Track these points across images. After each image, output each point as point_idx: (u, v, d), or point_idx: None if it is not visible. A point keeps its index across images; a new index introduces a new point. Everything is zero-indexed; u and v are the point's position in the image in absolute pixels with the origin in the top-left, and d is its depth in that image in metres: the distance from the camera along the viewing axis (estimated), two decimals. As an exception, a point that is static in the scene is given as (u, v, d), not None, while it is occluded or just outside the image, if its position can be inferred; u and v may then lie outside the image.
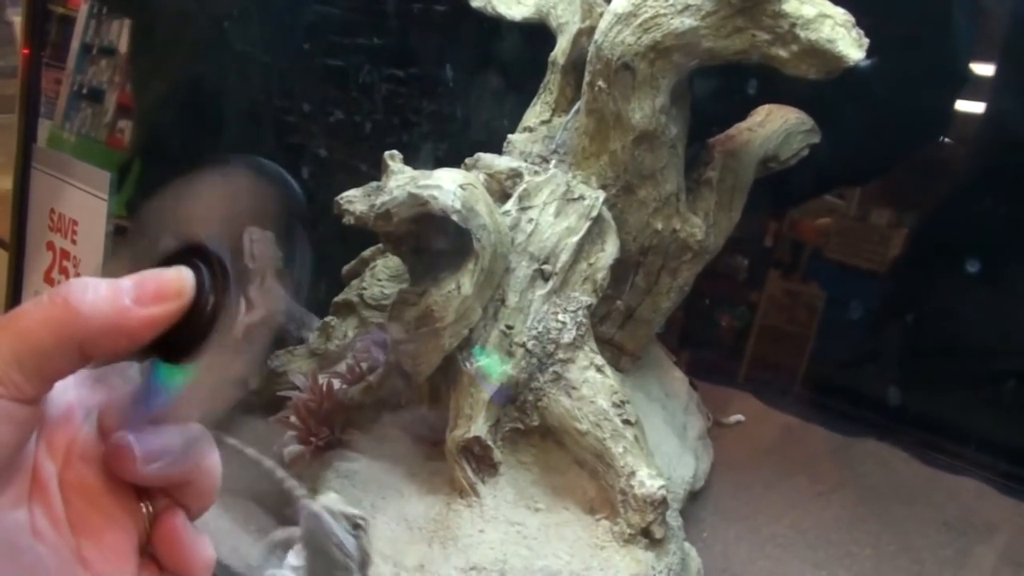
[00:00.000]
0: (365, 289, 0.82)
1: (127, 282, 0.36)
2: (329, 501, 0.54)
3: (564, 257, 0.65)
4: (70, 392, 0.41)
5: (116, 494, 0.40)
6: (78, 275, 0.75)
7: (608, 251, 0.66)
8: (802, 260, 0.93)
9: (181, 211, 0.40)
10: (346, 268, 0.85)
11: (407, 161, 0.65)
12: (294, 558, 0.57)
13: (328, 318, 0.82)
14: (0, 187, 0.98)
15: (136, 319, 0.36)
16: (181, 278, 0.37)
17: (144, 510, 0.41)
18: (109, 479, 0.40)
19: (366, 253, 0.84)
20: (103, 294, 0.36)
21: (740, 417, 0.86)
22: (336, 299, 0.84)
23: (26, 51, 0.95)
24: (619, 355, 0.74)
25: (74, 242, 0.72)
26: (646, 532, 0.60)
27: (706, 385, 0.86)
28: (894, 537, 0.69)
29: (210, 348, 0.37)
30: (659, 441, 0.70)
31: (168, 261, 0.37)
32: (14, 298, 0.82)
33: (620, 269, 0.69)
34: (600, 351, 0.66)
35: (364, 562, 0.52)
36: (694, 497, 0.73)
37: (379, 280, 0.81)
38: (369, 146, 0.88)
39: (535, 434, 0.64)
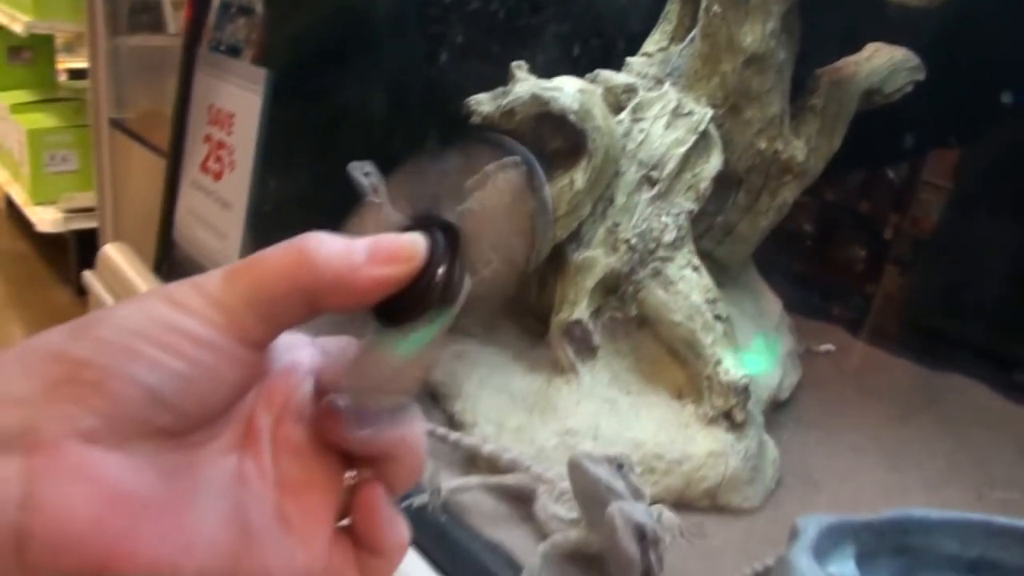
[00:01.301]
0: (485, 201, 0.88)
1: (362, 242, 0.36)
2: (584, 451, 0.54)
3: (671, 165, 0.70)
4: (292, 354, 0.42)
5: (322, 458, 0.41)
6: (232, 162, 0.84)
7: (712, 163, 0.71)
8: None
9: (424, 184, 0.40)
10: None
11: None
12: (566, 511, 0.59)
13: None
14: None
15: (366, 277, 0.36)
16: (414, 244, 0.37)
17: (346, 479, 0.41)
18: (318, 442, 0.40)
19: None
20: (337, 249, 0.36)
21: (831, 346, 0.90)
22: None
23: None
24: (718, 270, 0.79)
25: (230, 133, 0.81)
26: (728, 415, 0.65)
27: (799, 317, 0.90)
28: (967, 455, 0.73)
29: (432, 318, 0.37)
30: (749, 346, 0.74)
31: (406, 230, 0.38)
32: (171, 192, 0.91)
33: (722, 186, 0.75)
34: (702, 262, 0.72)
35: (637, 495, 0.54)
36: (778, 406, 0.77)
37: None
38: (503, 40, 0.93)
39: (632, 324, 0.70)
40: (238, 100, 0.80)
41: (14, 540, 0.32)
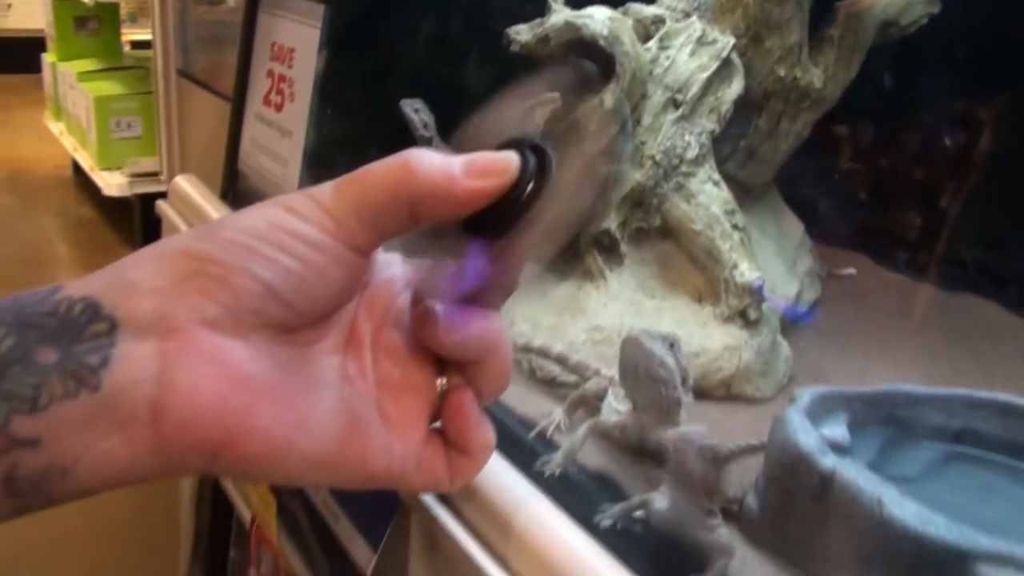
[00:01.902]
0: (525, 133, 0.95)
1: (459, 158, 0.39)
2: (642, 329, 0.57)
3: (694, 89, 0.76)
4: (390, 270, 0.46)
5: (418, 363, 0.44)
6: (292, 94, 0.91)
7: (733, 88, 0.77)
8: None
9: (515, 108, 0.44)
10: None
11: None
12: (613, 399, 0.63)
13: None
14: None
15: (463, 189, 0.39)
16: (507, 159, 0.40)
17: (439, 384, 0.45)
18: (414, 348, 0.44)
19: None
20: (437, 163, 0.39)
21: (852, 270, 0.95)
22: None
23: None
24: (741, 192, 0.84)
25: (290, 67, 0.88)
26: (742, 314, 0.71)
27: (824, 246, 0.95)
28: (973, 363, 0.78)
29: (521, 231, 0.40)
30: (768, 264, 0.80)
31: (499, 148, 0.41)
32: (236, 125, 0.98)
33: (745, 112, 0.80)
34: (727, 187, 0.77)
35: (684, 377, 0.58)
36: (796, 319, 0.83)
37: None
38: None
39: (656, 234, 0.76)
40: (298, 35, 0.87)
41: (151, 412, 0.36)
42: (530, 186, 0.39)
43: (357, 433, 0.41)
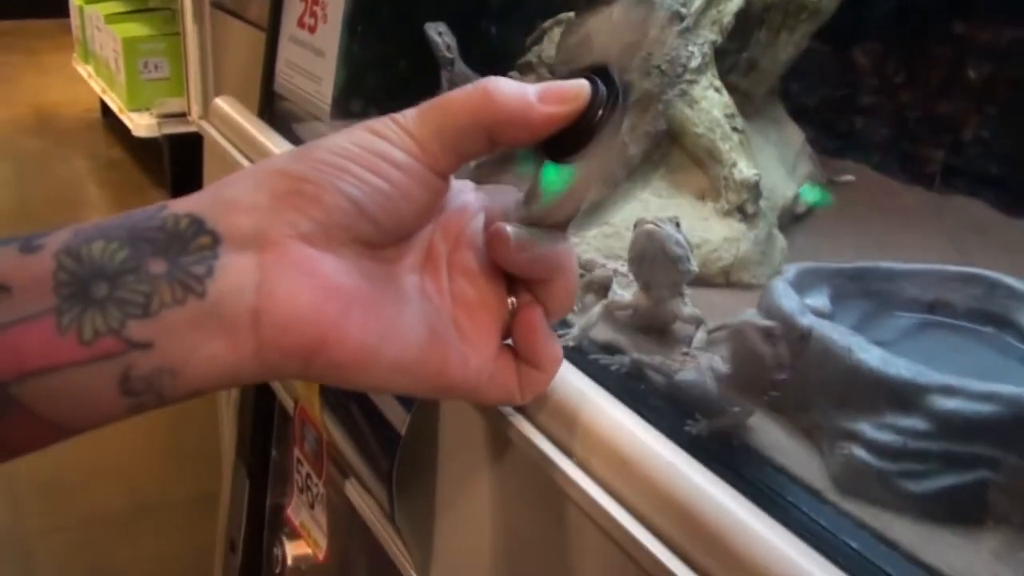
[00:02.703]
0: (543, 51, 1.01)
1: (534, 85, 0.42)
2: (650, 219, 0.63)
3: (697, 3, 0.81)
4: (467, 193, 0.48)
5: (491, 282, 0.47)
6: (325, 16, 0.97)
7: (735, 1, 0.83)
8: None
9: (589, 36, 0.48)
10: (530, 38, 1.04)
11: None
12: (618, 286, 0.69)
13: (511, 74, 1.02)
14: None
15: (538, 114, 0.42)
16: (579, 86, 0.43)
17: (510, 302, 0.48)
18: (487, 267, 0.47)
19: (546, 24, 1.02)
20: (515, 90, 0.42)
21: (851, 177, 1.01)
22: (519, 61, 1.03)
23: None
24: (744, 101, 0.90)
25: (323, -11, 0.94)
26: (741, 209, 0.77)
27: (826, 157, 1.01)
28: (955, 250, 0.84)
29: (592, 155, 0.42)
30: (768, 168, 0.86)
31: (571, 76, 0.44)
32: (272, 47, 1.04)
33: (746, 25, 0.86)
34: (730, 96, 0.83)
35: (690, 247, 0.64)
36: (795, 219, 0.89)
37: (553, 42, 1.00)
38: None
39: (663, 138, 0.82)
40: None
41: (252, 318, 0.39)
42: (600, 112, 0.42)
43: (437, 344, 0.44)
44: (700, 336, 0.64)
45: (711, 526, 0.45)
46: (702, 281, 0.75)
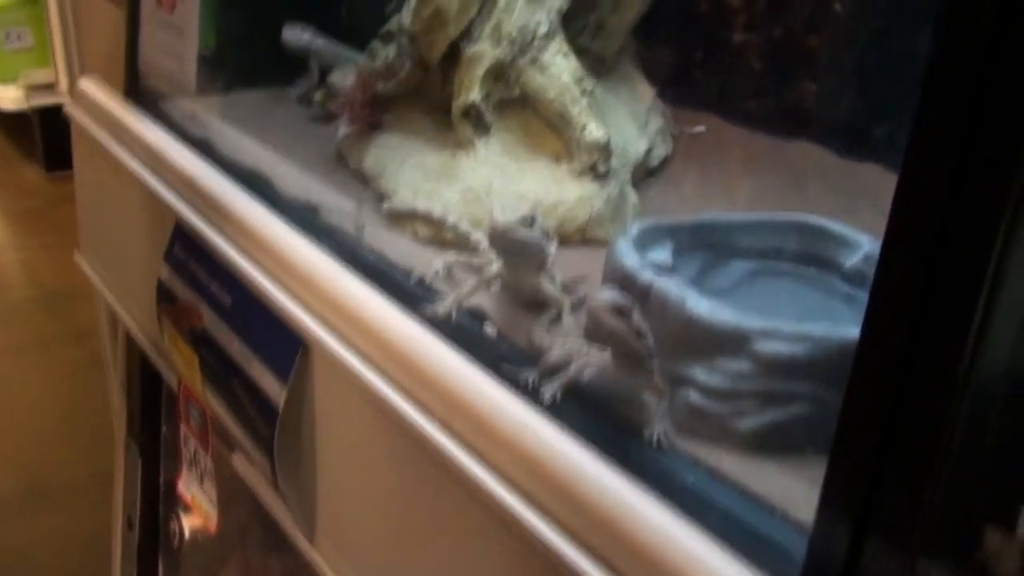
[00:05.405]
0: (402, 20, 1.03)
1: None
2: (502, 222, 0.65)
3: (542, -29, 0.85)
4: None
5: None
6: (179, -4, 0.97)
7: (578, -33, 0.86)
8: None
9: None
10: (389, 6, 1.06)
11: None
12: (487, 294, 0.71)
13: (373, 43, 1.04)
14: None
15: None
16: None
17: None
18: None
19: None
20: None
21: (702, 128, 1.06)
22: (381, 30, 1.05)
23: None
24: (595, 63, 0.94)
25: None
26: (593, 168, 0.82)
27: (678, 109, 1.06)
28: (794, 197, 0.90)
29: None
30: (621, 125, 0.91)
31: None
32: (133, 28, 1.04)
33: (592, -11, 0.90)
34: (579, 59, 0.87)
35: (548, 236, 0.67)
36: (649, 173, 0.94)
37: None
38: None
39: (517, 104, 0.86)
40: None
41: None
42: None
43: None
44: (567, 320, 0.68)
45: (559, 476, 0.50)
46: (561, 240, 0.80)
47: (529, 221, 0.66)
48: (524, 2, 0.84)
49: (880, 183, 0.92)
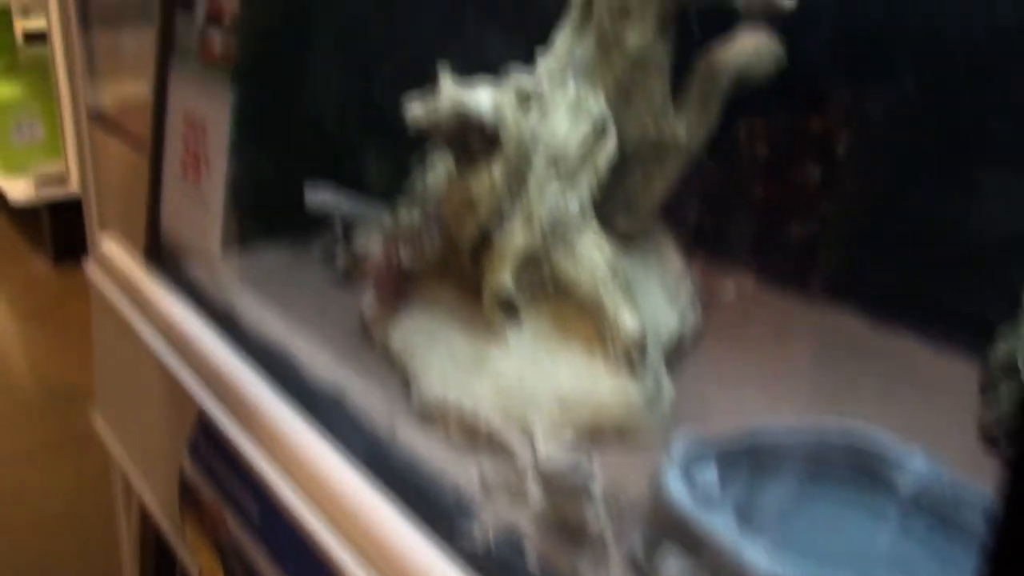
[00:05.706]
0: (427, 179, 1.02)
1: None
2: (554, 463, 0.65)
3: (573, 155, 0.84)
4: None
5: None
6: (207, 168, 0.96)
7: (608, 148, 0.85)
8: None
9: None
10: (414, 171, 1.05)
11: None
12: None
13: (398, 199, 1.03)
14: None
15: None
16: None
17: None
18: None
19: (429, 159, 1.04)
20: None
21: (731, 295, 1.04)
22: (404, 185, 1.04)
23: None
24: (625, 239, 0.93)
25: (203, 141, 0.94)
26: (628, 362, 0.79)
27: (707, 270, 1.04)
28: (832, 381, 0.88)
29: None
30: (651, 296, 0.89)
31: None
32: (156, 190, 1.03)
33: (620, 166, 0.88)
34: (608, 234, 0.86)
35: (593, 477, 0.65)
36: (679, 350, 0.92)
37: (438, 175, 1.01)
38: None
39: (549, 292, 0.84)
40: (208, 108, 0.93)
41: None
42: None
43: None
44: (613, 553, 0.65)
45: None
46: (595, 437, 0.78)
47: (576, 464, 0.64)
48: (555, 187, 0.83)
49: (917, 360, 0.91)
